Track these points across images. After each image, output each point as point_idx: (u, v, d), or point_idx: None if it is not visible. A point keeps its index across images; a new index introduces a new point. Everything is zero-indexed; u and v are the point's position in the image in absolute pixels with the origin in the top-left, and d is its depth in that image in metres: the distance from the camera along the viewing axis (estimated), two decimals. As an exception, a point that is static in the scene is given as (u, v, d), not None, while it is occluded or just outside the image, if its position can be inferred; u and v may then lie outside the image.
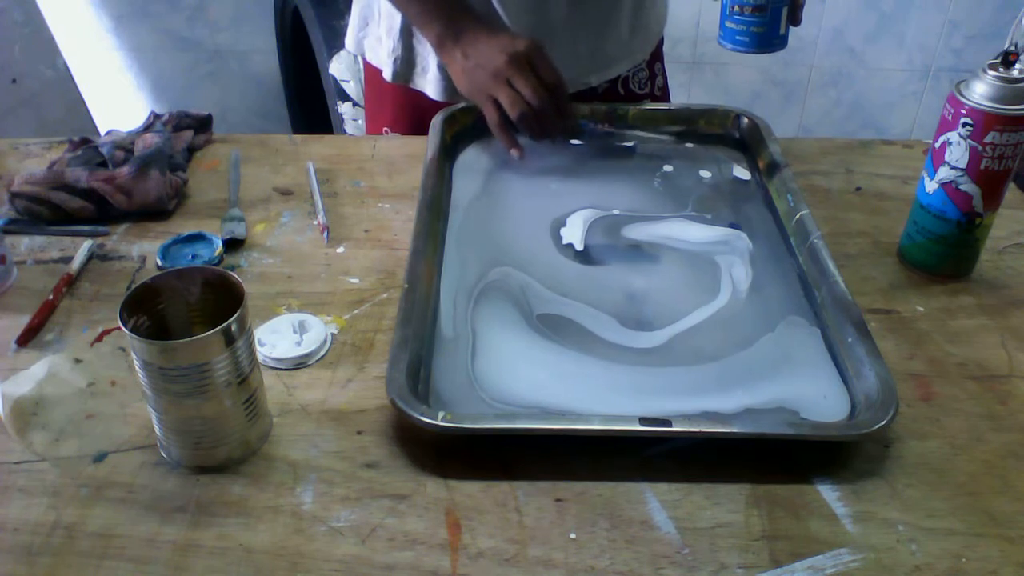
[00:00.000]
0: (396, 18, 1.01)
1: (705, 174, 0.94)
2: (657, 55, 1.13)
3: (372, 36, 1.07)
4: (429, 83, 1.03)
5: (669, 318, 0.74)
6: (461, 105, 0.99)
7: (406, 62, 1.03)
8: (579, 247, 0.83)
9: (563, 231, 0.85)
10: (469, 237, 0.84)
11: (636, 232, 0.85)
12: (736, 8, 0.85)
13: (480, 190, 0.91)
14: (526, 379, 0.67)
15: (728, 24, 0.87)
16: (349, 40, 1.11)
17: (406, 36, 1.02)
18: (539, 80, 0.87)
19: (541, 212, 0.87)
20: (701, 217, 0.87)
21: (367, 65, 1.11)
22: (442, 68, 1.02)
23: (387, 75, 1.05)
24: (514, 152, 0.92)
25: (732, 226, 0.86)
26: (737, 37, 0.87)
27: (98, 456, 0.62)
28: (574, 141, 0.98)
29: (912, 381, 0.69)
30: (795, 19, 0.87)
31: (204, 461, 0.61)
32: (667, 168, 0.95)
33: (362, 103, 1.78)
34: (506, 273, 0.79)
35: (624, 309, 0.75)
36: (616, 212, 0.87)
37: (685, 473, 0.61)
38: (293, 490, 0.60)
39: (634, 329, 0.73)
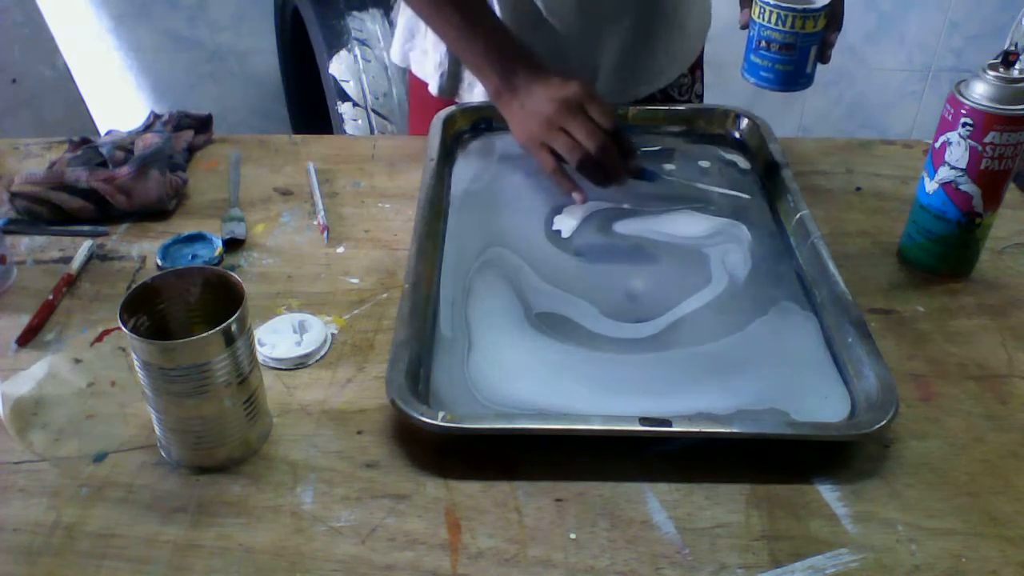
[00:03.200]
0: None
1: (704, 165, 0.95)
2: (698, 61, 1.10)
3: (418, 49, 1.05)
4: (476, 98, 1.02)
5: (663, 309, 0.75)
6: (461, 106, 0.99)
7: (453, 76, 1.02)
8: (566, 235, 0.84)
9: (556, 218, 0.86)
10: (468, 221, 0.85)
11: (633, 226, 0.85)
12: (763, 44, 0.81)
13: (480, 184, 0.91)
14: (522, 378, 0.67)
15: (753, 58, 0.82)
16: (394, 52, 1.10)
17: None
18: (594, 123, 0.82)
19: (539, 203, 0.88)
20: (701, 210, 0.88)
21: (412, 77, 1.09)
22: None
23: (433, 89, 1.03)
24: (576, 196, 0.85)
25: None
26: (762, 73, 0.82)
27: (98, 456, 0.62)
28: (639, 182, 0.88)
29: (912, 381, 0.69)
30: (824, 57, 0.83)
31: (204, 461, 0.61)
32: (667, 166, 0.95)
33: (362, 103, 1.77)
34: (500, 254, 0.81)
35: (621, 302, 0.76)
36: (612, 206, 0.88)
37: (685, 473, 0.61)
38: (293, 490, 0.60)
39: (630, 321, 0.73)
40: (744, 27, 0.83)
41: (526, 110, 0.85)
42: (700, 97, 1.13)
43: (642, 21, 0.99)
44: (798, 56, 0.81)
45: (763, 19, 0.80)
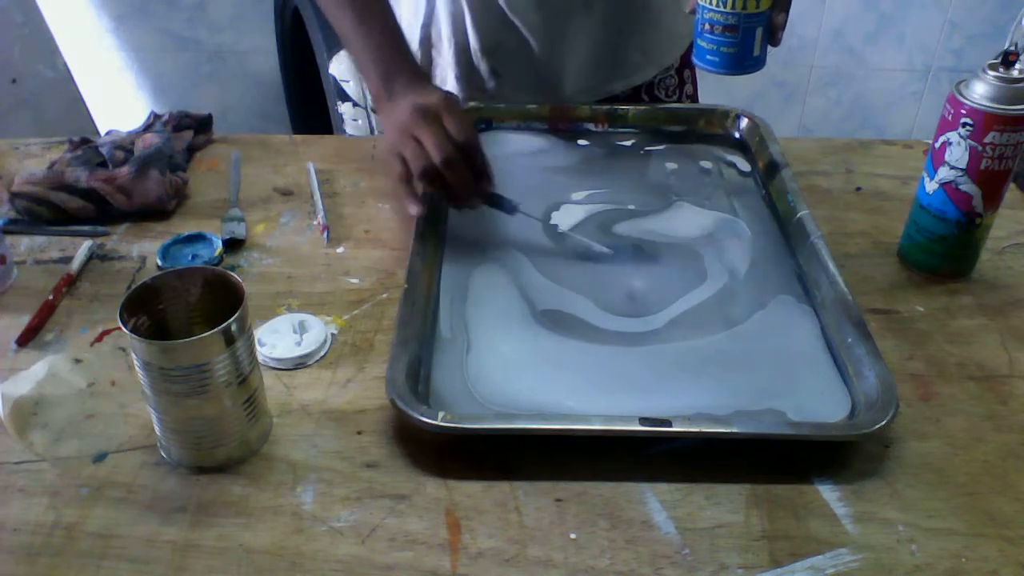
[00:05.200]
0: (415, 30, 1.01)
1: (706, 166, 0.95)
2: (687, 61, 1.10)
3: None
4: None
5: (663, 307, 0.75)
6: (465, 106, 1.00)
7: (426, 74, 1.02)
8: (563, 229, 0.84)
9: (554, 215, 0.86)
10: (467, 221, 0.85)
11: (633, 226, 0.85)
12: (707, 27, 0.80)
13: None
14: (521, 376, 0.67)
15: (700, 42, 0.82)
16: None
17: (426, 46, 1.02)
18: (445, 134, 0.78)
19: (538, 201, 0.88)
20: (700, 205, 0.88)
21: None
22: (460, 79, 1.01)
23: None
24: (412, 208, 0.81)
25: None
26: (708, 57, 0.82)
27: (98, 456, 0.62)
28: (498, 210, 0.84)
29: (912, 381, 0.69)
30: (774, 40, 0.82)
31: (204, 461, 0.61)
32: (669, 165, 0.95)
33: (362, 103, 1.77)
34: (499, 252, 0.81)
35: (620, 298, 0.76)
36: (615, 206, 0.88)
37: (685, 473, 0.61)
38: (293, 490, 0.60)
39: (629, 317, 0.74)
40: (692, 12, 0.82)
41: (392, 118, 0.82)
42: (691, 99, 1.13)
43: (611, 16, 0.99)
44: (742, 38, 0.80)
45: (706, 1, 0.79)
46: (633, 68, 1.04)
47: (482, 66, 1.01)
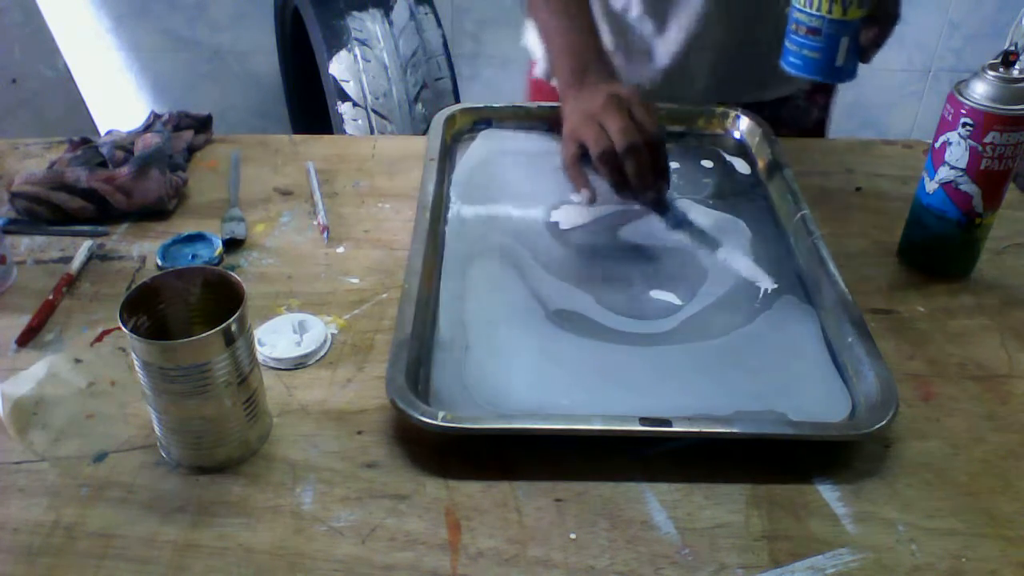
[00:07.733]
0: None
1: (707, 166, 0.95)
2: (823, 89, 1.07)
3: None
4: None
5: (663, 306, 0.75)
6: (461, 106, 0.99)
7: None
8: (564, 226, 0.84)
9: (554, 213, 0.86)
10: (467, 220, 0.85)
11: (637, 227, 0.85)
12: (794, 27, 0.79)
13: (480, 182, 0.91)
14: (521, 375, 0.68)
15: (787, 43, 0.80)
16: (539, 69, 1.08)
17: None
18: (633, 122, 0.79)
19: (539, 199, 0.88)
20: (701, 205, 0.88)
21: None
22: None
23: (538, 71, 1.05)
24: (583, 192, 0.83)
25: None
26: (791, 58, 0.80)
27: (98, 456, 0.62)
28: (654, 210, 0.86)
29: (912, 381, 0.69)
30: (865, 57, 0.80)
31: (204, 461, 0.61)
32: (670, 165, 0.95)
33: (362, 103, 1.77)
34: (499, 252, 0.81)
35: (621, 298, 0.76)
36: (622, 207, 0.87)
37: (685, 473, 0.61)
38: (293, 490, 0.60)
39: (629, 317, 0.74)
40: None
41: (581, 104, 0.84)
42: (819, 125, 1.10)
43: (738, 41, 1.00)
44: (825, 43, 0.77)
45: (797, 0, 0.78)
46: (761, 83, 1.03)
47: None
